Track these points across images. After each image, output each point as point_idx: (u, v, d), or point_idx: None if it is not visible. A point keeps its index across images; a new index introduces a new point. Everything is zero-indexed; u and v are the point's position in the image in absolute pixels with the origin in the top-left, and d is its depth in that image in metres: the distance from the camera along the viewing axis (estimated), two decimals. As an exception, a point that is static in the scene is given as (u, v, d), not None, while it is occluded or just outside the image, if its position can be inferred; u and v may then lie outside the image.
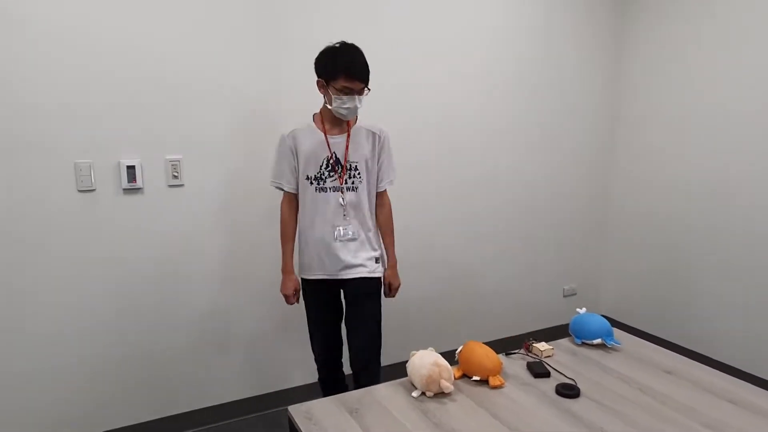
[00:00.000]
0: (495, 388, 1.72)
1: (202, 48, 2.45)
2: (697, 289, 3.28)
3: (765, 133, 2.89)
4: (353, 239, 2.16)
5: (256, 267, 2.70)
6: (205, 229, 2.57)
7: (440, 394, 1.67)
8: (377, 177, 2.23)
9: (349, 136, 2.15)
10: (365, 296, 2.21)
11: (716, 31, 3.08)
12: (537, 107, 3.39)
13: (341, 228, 2.13)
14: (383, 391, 1.72)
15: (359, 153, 2.16)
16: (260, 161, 2.61)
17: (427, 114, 3.03)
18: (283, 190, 2.21)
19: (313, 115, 2.19)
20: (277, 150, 2.18)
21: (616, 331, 2.12)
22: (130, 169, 2.40)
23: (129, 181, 2.40)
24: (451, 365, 1.80)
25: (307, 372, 2.87)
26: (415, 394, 1.67)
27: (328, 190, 2.14)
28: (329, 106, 2.08)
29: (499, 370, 1.76)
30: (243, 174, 2.61)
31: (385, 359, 3.07)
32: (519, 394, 1.70)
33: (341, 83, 2.00)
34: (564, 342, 2.09)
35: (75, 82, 2.24)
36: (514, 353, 1.98)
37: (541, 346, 1.97)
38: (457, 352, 1.84)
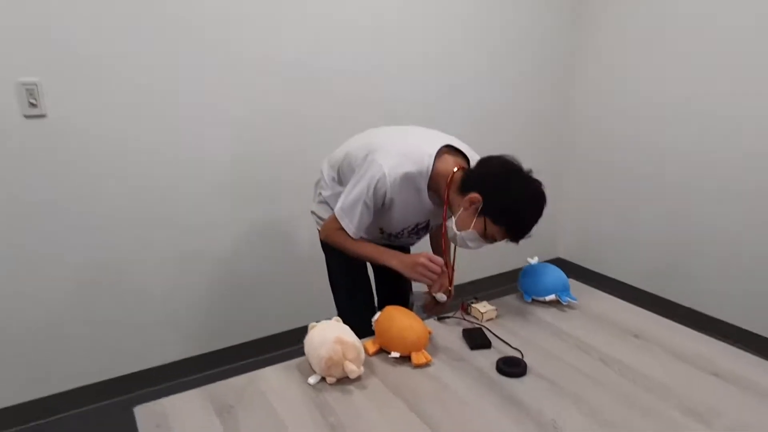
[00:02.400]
0: (419, 366, 1.33)
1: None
2: (667, 227, 2.96)
3: (743, 55, 2.49)
4: None
5: (138, 210, 2.20)
6: (76, 168, 2.05)
7: (345, 380, 1.27)
8: None
9: (446, 211, 1.58)
10: None
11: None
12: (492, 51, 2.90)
13: None
14: (272, 377, 1.30)
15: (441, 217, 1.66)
16: (151, 78, 2.10)
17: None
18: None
19: (429, 174, 1.52)
20: (366, 191, 1.50)
21: (573, 283, 1.75)
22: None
23: (-38, 109, 1.85)
24: (367, 336, 1.41)
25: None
26: (312, 380, 1.27)
27: (394, 241, 1.73)
28: (455, 227, 1.50)
29: (424, 344, 1.36)
30: (125, 98, 2.07)
31: (282, 324, 2.69)
32: (449, 374, 1.31)
33: (494, 232, 1.45)
34: (510, 300, 1.71)
35: None
36: (448, 317, 1.59)
37: (482, 306, 1.58)
38: (373, 320, 1.43)
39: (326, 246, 1.74)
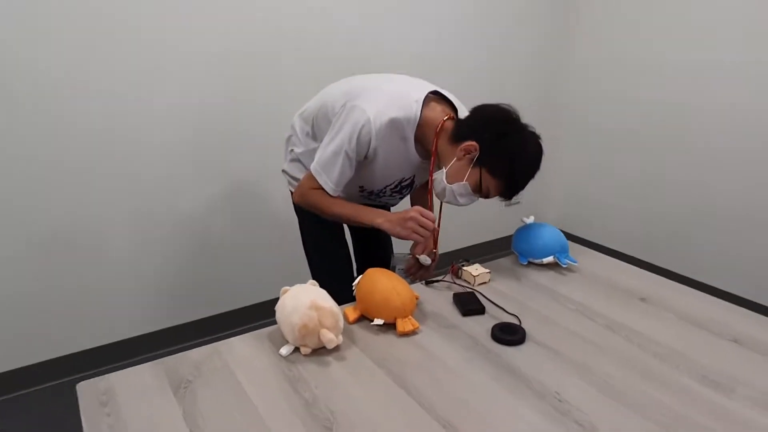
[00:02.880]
0: (404, 335, 1.19)
1: None
2: (664, 194, 2.83)
3: (746, 12, 2.34)
4: None
5: (89, 162, 2.00)
6: (18, 112, 1.85)
7: (322, 350, 1.12)
8: None
9: (433, 164, 1.42)
10: None
11: None
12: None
13: None
14: (238, 347, 1.15)
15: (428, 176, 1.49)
16: (108, 10, 1.87)
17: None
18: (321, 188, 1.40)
19: (417, 121, 1.36)
20: (348, 140, 1.32)
21: (572, 246, 1.61)
22: None
23: None
24: (347, 303, 1.27)
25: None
26: (284, 351, 1.12)
27: (375, 201, 1.57)
28: (445, 179, 1.35)
29: (411, 310, 1.22)
30: (77, 35, 1.85)
31: (254, 295, 2.47)
32: (439, 342, 1.17)
33: (489, 185, 1.32)
34: (505, 262, 1.58)
35: None
36: (437, 281, 1.45)
37: (474, 269, 1.44)
38: (354, 284, 1.29)
39: (299, 207, 1.58)
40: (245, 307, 2.45)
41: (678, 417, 0.94)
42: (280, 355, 1.11)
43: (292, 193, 1.61)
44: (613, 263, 1.57)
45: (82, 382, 1.02)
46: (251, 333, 1.19)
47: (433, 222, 1.34)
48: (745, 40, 2.37)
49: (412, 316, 1.21)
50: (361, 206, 1.44)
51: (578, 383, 1.03)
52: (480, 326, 1.23)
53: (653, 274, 1.49)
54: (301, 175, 1.54)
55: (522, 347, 1.15)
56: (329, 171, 1.37)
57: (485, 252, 3.11)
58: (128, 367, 1.07)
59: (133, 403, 0.97)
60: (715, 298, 1.36)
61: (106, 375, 1.04)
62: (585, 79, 3.09)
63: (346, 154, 1.34)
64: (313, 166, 1.40)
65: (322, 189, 1.39)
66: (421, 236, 1.34)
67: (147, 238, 2.16)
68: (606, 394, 1.00)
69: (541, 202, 3.36)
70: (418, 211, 1.33)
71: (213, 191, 2.26)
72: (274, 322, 1.17)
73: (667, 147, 2.74)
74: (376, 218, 1.39)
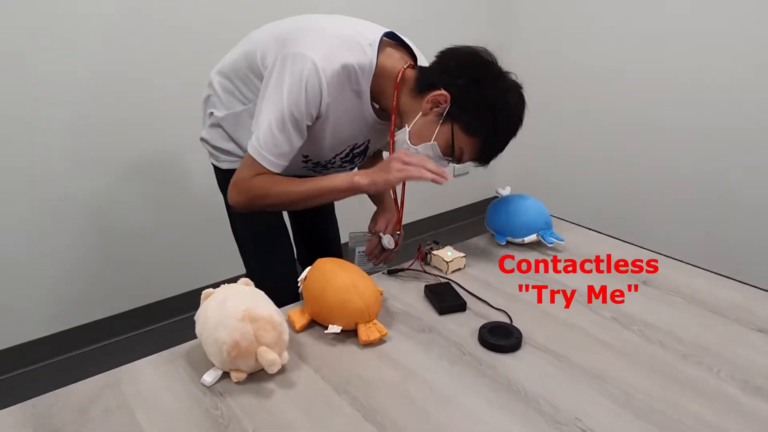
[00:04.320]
0: (368, 345, 0.92)
1: None
2: (610, 167, 2.68)
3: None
4: None
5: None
6: None
7: (260, 374, 0.83)
8: None
9: (394, 122, 1.13)
10: None
11: None
12: None
13: None
14: (144, 375, 0.84)
15: (386, 140, 1.19)
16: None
17: None
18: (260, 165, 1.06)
19: (374, 70, 1.07)
20: (294, 100, 1.00)
21: (555, 221, 1.38)
22: None
23: None
24: (291, 303, 0.99)
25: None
26: (208, 378, 0.82)
27: (321, 173, 1.25)
28: (408, 140, 1.08)
29: (376, 312, 0.94)
30: None
31: (172, 287, 2.10)
32: (415, 353, 0.91)
33: (463, 144, 1.06)
34: (479, 242, 1.33)
35: None
36: (401, 269, 1.18)
37: (445, 253, 1.18)
38: (300, 279, 0.99)
39: (226, 184, 1.27)
40: (159, 302, 2.10)
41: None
42: (203, 385, 0.81)
43: (215, 167, 1.29)
44: (603, 240, 1.36)
45: None
46: (162, 354, 0.88)
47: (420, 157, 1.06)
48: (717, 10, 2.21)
49: (376, 319, 0.94)
50: (326, 177, 1.10)
51: (600, 401, 0.80)
52: (462, 327, 0.97)
53: (649, 251, 1.28)
54: (224, 144, 1.22)
55: (519, 353, 0.91)
56: (273, 147, 1.03)
57: (444, 224, 2.85)
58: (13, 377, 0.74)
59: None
60: (723, 278, 1.16)
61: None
62: (532, 53, 2.87)
63: (293, 118, 1.02)
64: (251, 147, 1.05)
65: (269, 172, 1.07)
66: (420, 172, 1.02)
67: (44, 228, 1.77)
68: (639, 415, 0.77)
69: (486, 173, 3.16)
70: (397, 156, 1.05)
71: (117, 167, 1.88)
72: (191, 325, 0.87)
73: (611, 123, 2.60)
74: (354, 179, 1.06)
